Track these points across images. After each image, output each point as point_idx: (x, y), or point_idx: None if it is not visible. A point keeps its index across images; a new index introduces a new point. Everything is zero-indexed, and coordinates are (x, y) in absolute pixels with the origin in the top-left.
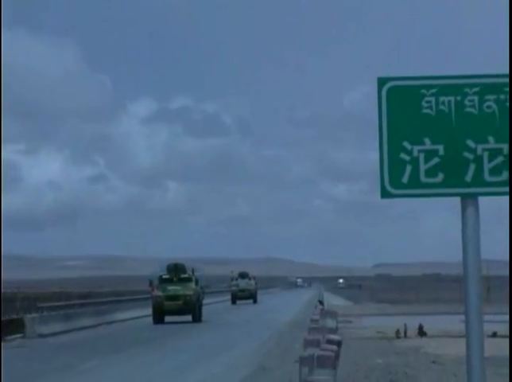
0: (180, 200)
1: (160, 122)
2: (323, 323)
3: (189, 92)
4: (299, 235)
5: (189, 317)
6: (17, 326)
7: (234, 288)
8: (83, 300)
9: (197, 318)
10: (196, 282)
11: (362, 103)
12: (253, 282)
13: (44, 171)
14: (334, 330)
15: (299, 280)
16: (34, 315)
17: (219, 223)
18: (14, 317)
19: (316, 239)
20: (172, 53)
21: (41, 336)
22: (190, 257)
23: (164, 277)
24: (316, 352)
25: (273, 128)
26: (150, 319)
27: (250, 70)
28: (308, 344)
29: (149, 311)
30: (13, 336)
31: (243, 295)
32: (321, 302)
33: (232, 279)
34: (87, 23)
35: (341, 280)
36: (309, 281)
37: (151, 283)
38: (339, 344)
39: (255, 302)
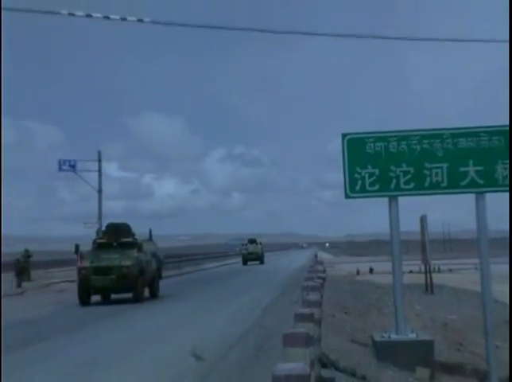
0: (238, 203)
1: (227, 161)
2: (316, 267)
3: (243, 144)
4: (304, 219)
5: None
6: None
7: (244, 251)
8: (186, 257)
9: (140, 298)
10: (140, 249)
11: (338, 147)
12: (259, 246)
13: (165, 188)
14: (322, 271)
15: (304, 244)
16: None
17: (261, 215)
18: None
19: (315, 221)
20: (234, 122)
21: (164, 277)
22: (244, 233)
23: (98, 241)
24: (311, 283)
25: (289, 162)
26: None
27: (275, 132)
28: (307, 279)
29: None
30: None
31: (251, 257)
32: (316, 256)
33: (243, 245)
34: (186, 104)
35: (327, 244)
36: (310, 245)
37: (77, 250)
38: (324, 279)
39: (262, 262)
